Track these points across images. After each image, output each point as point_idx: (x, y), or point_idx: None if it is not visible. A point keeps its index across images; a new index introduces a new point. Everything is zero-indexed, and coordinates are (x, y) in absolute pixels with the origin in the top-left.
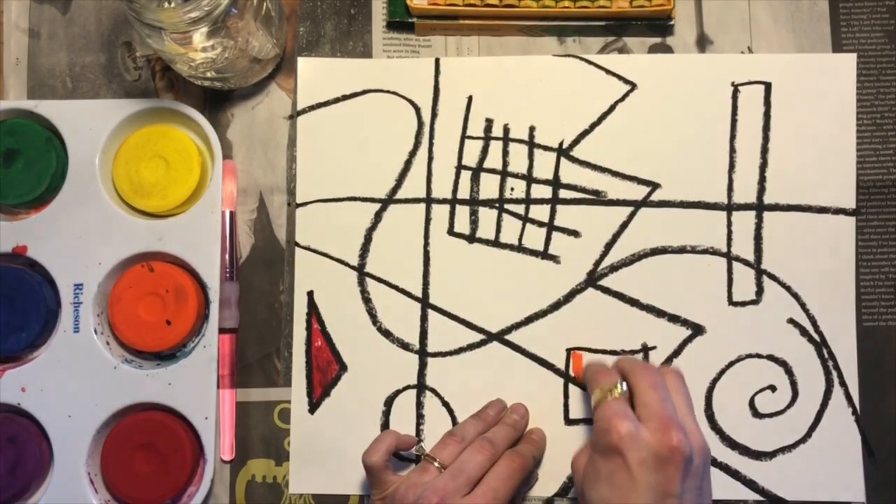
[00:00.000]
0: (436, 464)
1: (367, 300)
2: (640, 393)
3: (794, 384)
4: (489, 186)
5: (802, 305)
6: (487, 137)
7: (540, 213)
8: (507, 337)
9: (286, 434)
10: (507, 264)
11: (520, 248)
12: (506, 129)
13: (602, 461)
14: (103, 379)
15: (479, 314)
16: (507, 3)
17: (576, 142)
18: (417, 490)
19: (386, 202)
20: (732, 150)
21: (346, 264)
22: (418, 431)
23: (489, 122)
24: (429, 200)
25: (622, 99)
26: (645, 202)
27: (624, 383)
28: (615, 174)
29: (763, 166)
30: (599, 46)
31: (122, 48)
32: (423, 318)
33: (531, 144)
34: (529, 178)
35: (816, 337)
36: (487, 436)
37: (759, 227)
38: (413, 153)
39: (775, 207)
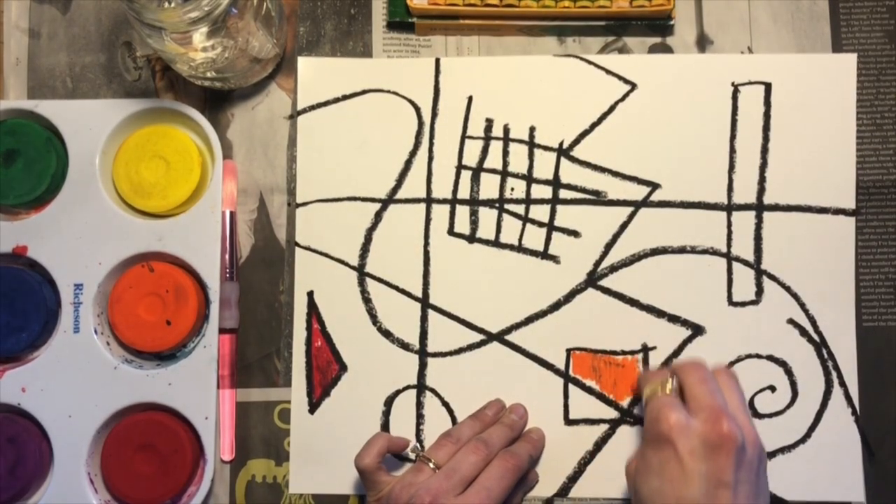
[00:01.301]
0: (430, 464)
1: (367, 300)
2: (689, 386)
3: (793, 384)
4: (489, 186)
5: (802, 306)
6: (487, 137)
7: (540, 213)
8: (507, 337)
9: (286, 434)
10: (507, 264)
11: (520, 249)
12: (506, 129)
13: (653, 453)
14: (103, 379)
15: (479, 314)
16: (507, 3)
17: (576, 142)
18: (411, 490)
19: (386, 202)
20: (732, 150)
21: (346, 264)
22: (418, 432)
23: (489, 122)
24: (429, 200)
25: (622, 99)
26: (645, 202)
27: (674, 379)
28: (615, 174)
29: (763, 166)
30: (599, 46)
31: (122, 48)
32: (423, 319)
33: (531, 144)
34: (529, 179)
35: (816, 337)
36: (482, 436)
37: (759, 228)
38: (413, 153)
39: (775, 208)
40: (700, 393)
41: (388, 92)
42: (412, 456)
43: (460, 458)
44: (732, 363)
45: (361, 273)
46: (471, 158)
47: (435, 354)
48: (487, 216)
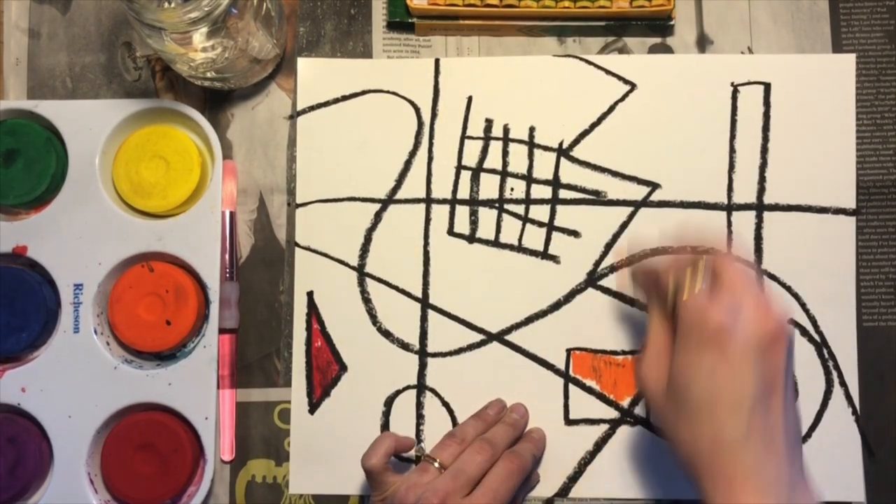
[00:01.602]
0: (436, 464)
1: (367, 300)
2: (729, 280)
3: (794, 384)
4: (489, 186)
5: (802, 305)
6: (487, 137)
7: (540, 213)
8: (507, 337)
9: (286, 434)
10: (507, 264)
11: (520, 249)
12: (506, 130)
13: (698, 357)
14: (103, 379)
15: (479, 314)
16: (507, 3)
17: (576, 142)
18: (418, 491)
19: (386, 202)
20: (732, 151)
21: (346, 264)
22: (418, 432)
23: (489, 122)
24: (429, 200)
25: (622, 99)
26: (645, 202)
27: (706, 270)
28: (615, 174)
29: (763, 166)
30: (599, 46)
31: (122, 48)
32: (423, 319)
33: (531, 144)
34: (529, 179)
35: (816, 337)
36: (487, 436)
37: (759, 228)
38: (413, 153)
39: (775, 207)
40: (742, 285)
41: (388, 92)
42: (415, 456)
43: (466, 459)
44: None
45: (361, 273)
46: (470, 158)
47: (435, 354)
48: (487, 216)
